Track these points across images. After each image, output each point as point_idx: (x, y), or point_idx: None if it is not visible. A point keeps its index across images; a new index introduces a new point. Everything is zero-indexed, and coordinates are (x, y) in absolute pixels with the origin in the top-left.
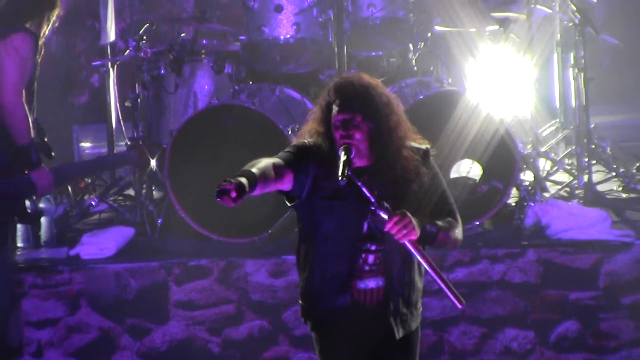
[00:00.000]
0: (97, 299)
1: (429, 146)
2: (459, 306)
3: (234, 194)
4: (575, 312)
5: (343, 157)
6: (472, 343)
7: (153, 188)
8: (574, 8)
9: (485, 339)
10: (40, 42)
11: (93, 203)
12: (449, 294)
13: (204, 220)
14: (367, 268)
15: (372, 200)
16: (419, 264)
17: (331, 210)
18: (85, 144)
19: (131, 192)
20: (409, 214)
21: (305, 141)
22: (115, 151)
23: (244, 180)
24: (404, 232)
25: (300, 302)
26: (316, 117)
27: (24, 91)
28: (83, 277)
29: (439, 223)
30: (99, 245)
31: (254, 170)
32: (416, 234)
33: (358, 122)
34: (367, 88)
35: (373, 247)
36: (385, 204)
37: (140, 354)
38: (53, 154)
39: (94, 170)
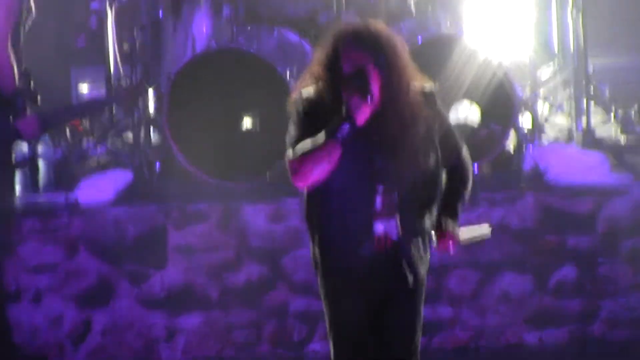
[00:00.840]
0: (96, 244)
1: (433, 88)
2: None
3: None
4: (573, 257)
5: (346, 117)
6: (470, 288)
7: (151, 130)
8: None
9: (483, 284)
10: None
11: (91, 146)
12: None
13: (202, 163)
14: (378, 209)
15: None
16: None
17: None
18: (83, 85)
19: (130, 135)
20: (449, 228)
21: (304, 99)
22: (112, 93)
23: None
24: (454, 244)
25: (315, 258)
26: (321, 63)
27: (9, 35)
28: (81, 221)
29: (460, 191)
30: (98, 189)
31: None
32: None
33: (371, 69)
34: (378, 34)
35: (380, 187)
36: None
37: (139, 299)
38: (39, 100)
39: (82, 113)
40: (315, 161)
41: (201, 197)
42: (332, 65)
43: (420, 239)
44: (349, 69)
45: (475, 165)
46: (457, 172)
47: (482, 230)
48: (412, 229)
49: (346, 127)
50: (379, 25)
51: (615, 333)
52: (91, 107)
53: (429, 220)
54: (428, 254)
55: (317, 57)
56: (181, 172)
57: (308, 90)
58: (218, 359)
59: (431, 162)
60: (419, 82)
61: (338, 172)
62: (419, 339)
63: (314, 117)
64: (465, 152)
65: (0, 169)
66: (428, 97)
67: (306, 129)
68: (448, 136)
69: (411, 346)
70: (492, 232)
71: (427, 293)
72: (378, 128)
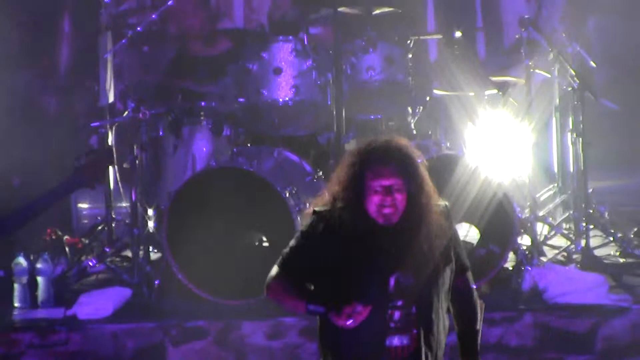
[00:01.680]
0: (96, 358)
1: (447, 204)
2: None
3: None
4: None
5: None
6: None
7: (150, 249)
8: (573, 73)
9: None
10: None
11: (91, 264)
12: None
13: (201, 281)
14: (392, 325)
15: None
16: (443, 307)
17: (354, 272)
18: (84, 205)
19: (129, 253)
20: None
21: (316, 216)
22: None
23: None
24: None
25: None
26: (342, 182)
27: None
28: (80, 337)
29: (478, 333)
30: (96, 305)
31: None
32: None
33: (400, 186)
34: (403, 150)
35: (399, 303)
36: None
37: None
38: None
39: (40, 208)
40: (282, 306)
41: (200, 315)
42: (358, 181)
43: (435, 353)
44: (377, 184)
45: (474, 285)
46: (470, 309)
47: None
48: (429, 341)
49: (320, 310)
50: (404, 142)
51: None
52: (51, 197)
53: (443, 333)
54: None
55: (338, 175)
56: (180, 289)
57: (323, 206)
58: None
59: (448, 280)
60: (436, 200)
61: (355, 289)
62: None
63: (321, 232)
64: (470, 276)
65: None
66: (445, 214)
67: (305, 246)
68: (460, 255)
69: None
70: (491, 350)
71: None
72: (404, 245)
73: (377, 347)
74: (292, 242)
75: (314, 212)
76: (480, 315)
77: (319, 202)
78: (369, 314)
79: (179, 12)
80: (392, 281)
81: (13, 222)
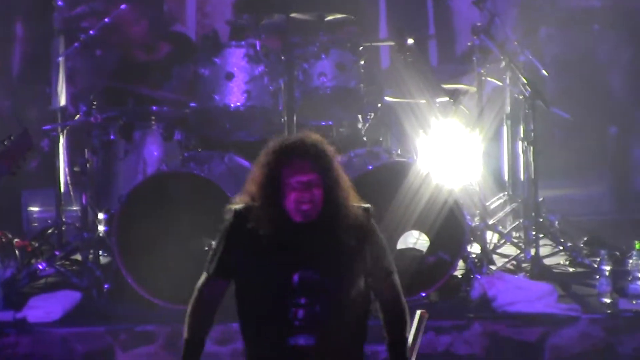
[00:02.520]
0: None
1: (369, 206)
2: None
3: None
4: None
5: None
6: None
7: (100, 253)
8: (525, 81)
9: None
10: None
11: (40, 267)
12: None
13: (151, 286)
14: (297, 323)
15: None
16: (361, 317)
17: (265, 267)
18: (34, 208)
19: (79, 256)
20: None
21: (233, 213)
22: (62, 216)
23: None
24: None
25: None
26: (258, 180)
27: None
28: (29, 340)
29: (406, 339)
30: (46, 309)
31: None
32: None
33: (317, 181)
34: (319, 146)
35: (303, 301)
36: None
37: None
38: None
39: None
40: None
41: (149, 319)
42: (274, 179)
43: (348, 350)
44: (295, 180)
45: (424, 293)
46: (396, 318)
47: (417, 318)
48: (335, 342)
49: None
50: (320, 139)
51: None
52: None
53: (354, 334)
54: None
55: (254, 174)
56: (130, 293)
57: (239, 202)
58: None
59: (360, 281)
60: (355, 199)
61: (258, 285)
62: None
63: (242, 232)
64: (402, 297)
65: None
66: (366, 215)
67: (226, 244)
68: (380, 258)
69: None
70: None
71: None
72: (313, 241)
73: (280, 346)
74: (214, 244)
75: (232, 211)
76: (421, 326)
77: (238, 201)
78: (271, 311)
79: (123, 20)
80: (295, 277)
81: None
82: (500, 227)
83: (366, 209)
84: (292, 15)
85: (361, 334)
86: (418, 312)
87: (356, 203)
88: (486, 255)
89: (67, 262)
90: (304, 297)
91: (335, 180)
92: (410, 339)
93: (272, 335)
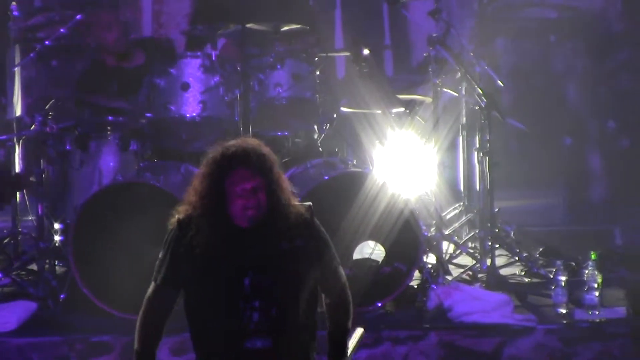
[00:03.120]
0: None
1: (311, 204)
2: None
3: None
4: None
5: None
6: None
7: (56, 263)
8: (481, 92)
9: None
10: None
11: None
12: None
13: (107, 296)
14: (252, 327)
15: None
16: (311, 318)
17: (212, 273)
18: None
19: (34, 266)
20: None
21: (177, 223)
22: (18, 226)
23: None
24: None
25: None
26: (200, 190)
27: None
28: None
29: (347, 328)
30: (2, 319)
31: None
32: None
33: (261, 185)
34: (259, 150)
35: (257, 304)
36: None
37: None
38: None
39: None
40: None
41: (106, 329)
42: (218, 188)
43: (298, 351)
44: (240, 188)
45: (380, 302)
46: (341, 308)
47: (358, 335)
48: (292, 344)
49: None
50: (258, 143)
51: None
52: None
53: (310, 339)
54: None
55: (195, 185)
56: (86, 303)
57: (182, 214)
58: None
59: (309, 277)
60: (294, 199)
61: (210, 291)
62: None
63: (184, 239)
64: (347, 288)
65: None
66: (309, 212)
67: (172, 254)
68: (326, 252)
69: None
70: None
71: None
72: (261, 245)
73: (237, 351)
74: (160, 255)
75: (176, 221)
76: (359, 342)
77: (180, 211)
78: (226, 313)
79: (94, 25)
80: (246, 281)
81: None
82: (456, 237)
83: (308, 207)
84: (248, 25)
85: (313, 330)
86: (359, 329)
87: (296, 202)
88: (442, 266)
89: (23, 272)
90: (257, 300)
91: (277, 182)
92: (349, 349)
93: (228, 340)
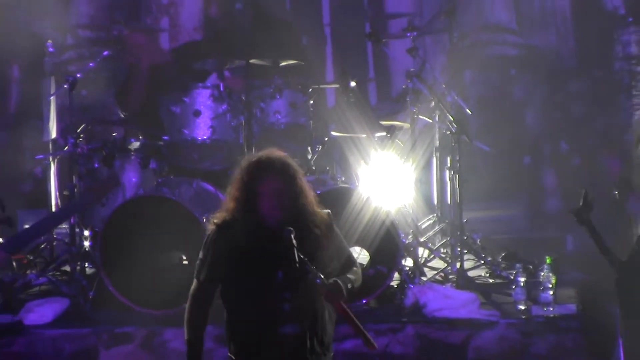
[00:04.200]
0: None
1: (329, 211)
2: (373, 349)
3: None
4: None
5: (294, 242)
6: None
7: (86, 265)
8: (451, 118)
9: None
10: None
11: (34, 277)
12: (364, 339)
13: (130, 293)
14: (283, 315)
15: (309, 270)
16: (331, 309)
17: (247, 269)
18: (28, 226)
19: (67, 268)
20: (339, 282)
21: (215, 227)
22: (54, 233)
23: None
24: (336, 298)
25: (230, 356)
26: (236, 195)
27: None
28: (24, 340)
29: (351, 277)
30: (39, 313)
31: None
32: (345, 297)
33: (283, 191)
34: (283, 160)
35: (287, 295)
36: (320, 275)
37: None
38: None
39: (49, 227)
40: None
41: (128, 322)
42: (249, 191)
43: (321, 337)
44: (265, 189)
45: (364, 300)
46: (353, 267)
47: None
48: (315, 329)
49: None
50: (283, 155)
51: None
52: (57, 218)
53: (329, 321)
54: (331, 352)
55: (230, 191)
56: (112, 300)
57: (220, 219)
58: None
59: (329, 269)
60: (319, 205)
61: (247, 284)
62: None
63: (224, 241)
64: (357, 264)
65: None
66: (329, 217)
67: (212, 254)
68: (344, 249)
69: None
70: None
71: None
72: (289, 244)
73: (272, 335)
74: (199, 255)
75: (214, 224)
76: (359, 277)
77: (217, 217)
78: (260, 303)
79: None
80: (279, 274)
81: (19, 243)
82: (430, 244)
83: (329, 213)
84: (251, 60)
85: (333, 317)
86: None
87: (319, 209)
88: (418, 268)
89: (58, 273)
90: (288, 292)
91: (300, 187)
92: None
93: (263, 327)
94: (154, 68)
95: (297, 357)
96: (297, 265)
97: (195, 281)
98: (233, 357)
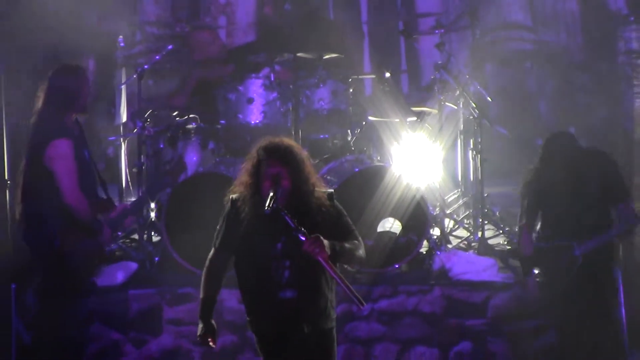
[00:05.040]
0: (109, 316)
1: (332, 191)
2: (361, 307)
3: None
4: (469, 335)
5: (271, 194)
6: (392, 357)
7: (152, 233)
8: (474, 105)
9: (401, 354)
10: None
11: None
12: (353, 297)
13: (190, 258)
14: (284, 281)
15: (293, 225)
16: (329, 276)
17: (253, 240)
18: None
19: (136, 236)
20: (320, 237)
21: (230, 201)
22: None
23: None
24: (317, 250)
25: (247, 317)
26: (247, 171)
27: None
28: (98, 299)
29: (347, 245)
30: (111, 276)
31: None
32: (327, 252)
33: (284, 174)
34: (290, 149)
35: (286, 263)
36: (303, 229)
37: (141, 359)
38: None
39: (138, 207)
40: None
41: (189, 284)
42: (256, 170)
43: (316, 301)
44: (269, 173)
45: (397, 264)
46: (354, 240)
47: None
48: (312, 294)
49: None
50: (292, 143)
51: None
52: (142, 200)
53: (326, 288)
54: (330, 314)
55: (245, 167)
56: (174, 264)
57: (235, 194)
58: None
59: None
60: (321, 187)
61: (252, 253)
62: None
63: (236, 214)
64: (360, 239)
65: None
66: (329, 197)
67: (226, 225)
68: (344, 224)
69: None
70: (409, 315)
71: (357, 358)
72: (290, 216)
73: (273, 299)
74: (218, 226)
75: (229, 199)
76: (357, 249)
77: (234, 190)
78: (264, 271)
79: (199, 42)
80: (279, 246)
81: (119, 223)
82: (455, 215)
83: (329, 194)
84: (299, 54)
85: (331, 284)
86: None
87: (323, 189)
88: (444, 237)
89: (127, 241)
90: (287, 261)
91: (300, 172)
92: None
93: (266, 291)
94: (213, 61)
95: (295, 318)
96: (292, 229)
97: (212, 248)
98: (248, 318)
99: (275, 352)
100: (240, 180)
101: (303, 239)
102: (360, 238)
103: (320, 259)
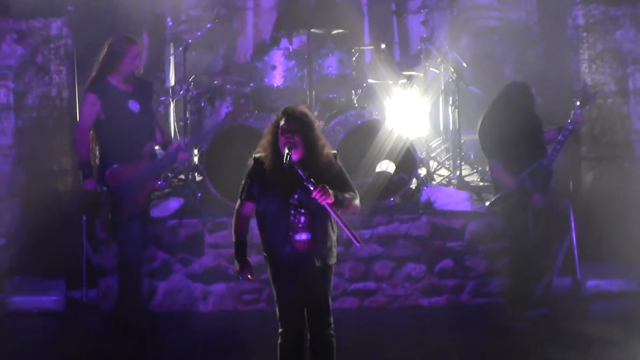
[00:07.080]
0: (160, 241)
1: (335, 152)
2: (357, 244)
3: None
4: (450, 254)
5: (287, 151)
6: (388, 272)
7: (196, 174)
8: (452, 70)
9: (395, 269)
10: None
11: (159, 183)
12: (352, 237)
13: (226, 194)
14: (300, 225)
15: (304, 176)
16: (334, 220)
17: (273, 191)
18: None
19: (183, 176)
20: (327, 187)
21: (253, 160)
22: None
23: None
24: (324, 197)
25: (263, 253)
26: (269, 132)
27: (90, 124)
28: (152, 227)
29: (346, 195)
30: (162, 208)
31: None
32: (332, 199)
33: (298, 135)
34: (301, 114)
35: (302, 211)
36: (312, 179)
37: (187, 275)
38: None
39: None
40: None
41: (225, 214)
42: (276, 130)
43: (325, 241)
44: (284, 129)
45: (392, 198)
46: (351, 192)
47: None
48: (322, 236)
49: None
50: (304, 109)
51: (475, 300)
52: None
53: (332, 231)
54: (333, 252)
55: (267, 130)
56: (213, 199)
57: (258, 153)
58: (234, 312)
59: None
60: (329, 148)
61: (273, 202)
62: (331, 303)
63: (258, 171)
64: (357, 192)
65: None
66: (334, 157)
67: (250, 180)
68: (344, 179)
69: (327, 307)
70: (401, 238)
71: (361, 274)
72: (302, 169)
73: (288, 239)
74: (243, 181)
75: (253, 158)
76: (354, 200)
77: (257, 150)
78: (282, 217)
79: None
80: (295, 196)
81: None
82: (438, 158)
83: (334, 154)
84: (312, 30)
85: (336, 229)
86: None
87: (329, 149)
88: (429, 175)
89: (176, 180)
90: (303, 209)
91: (311, 132)
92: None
93: (284, 234)
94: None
95: (307, 255)
96: (303, 180)
97: (238, 200)
98: (265, 255)
99: (287, 279)
100: (262, 143)
101: (312, 188)
102: (357, 191)
103: (326, 204)
